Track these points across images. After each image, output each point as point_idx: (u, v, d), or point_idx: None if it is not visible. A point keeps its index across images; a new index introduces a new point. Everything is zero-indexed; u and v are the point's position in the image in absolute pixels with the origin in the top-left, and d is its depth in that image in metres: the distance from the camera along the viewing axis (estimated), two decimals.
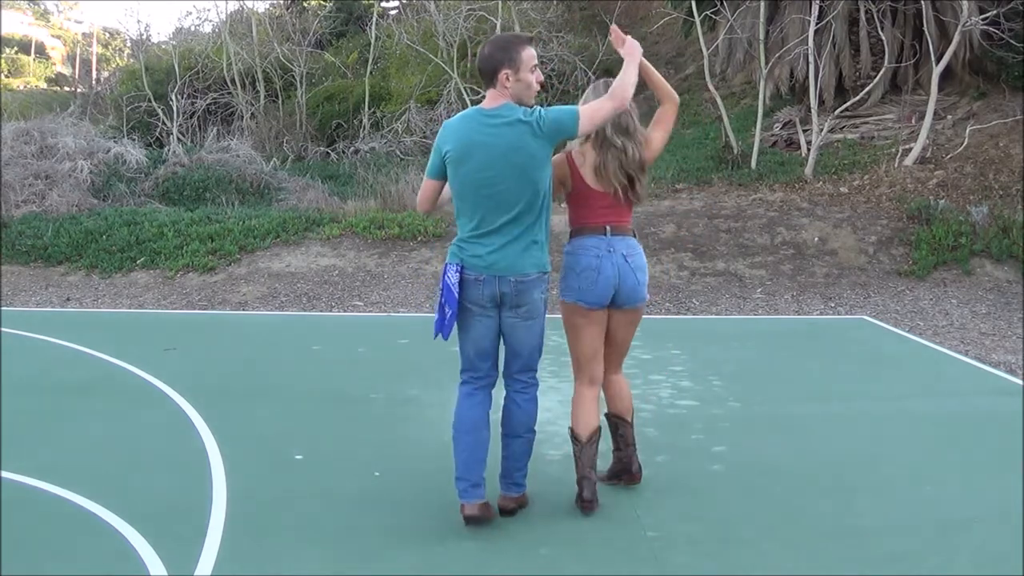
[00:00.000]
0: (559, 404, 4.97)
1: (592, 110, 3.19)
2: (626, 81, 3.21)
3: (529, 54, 3.20)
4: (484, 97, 3.29)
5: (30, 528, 3.35)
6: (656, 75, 3.51)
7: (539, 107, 3.22)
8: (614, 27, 3.52)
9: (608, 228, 3.44)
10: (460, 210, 3.28)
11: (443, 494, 3.65)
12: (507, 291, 3.21)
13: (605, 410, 3.72)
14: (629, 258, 3.44)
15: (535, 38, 3.40)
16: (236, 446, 4.30)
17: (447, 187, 3.34)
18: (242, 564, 3.08)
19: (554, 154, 3.32)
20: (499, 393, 3.47)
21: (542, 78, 3.30)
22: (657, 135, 3.54)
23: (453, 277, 3.21)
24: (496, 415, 3.42)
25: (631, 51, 3.30)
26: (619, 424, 3.69)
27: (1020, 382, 5.78)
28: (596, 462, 3.54)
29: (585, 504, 3.50)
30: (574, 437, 3.53)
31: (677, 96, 3.57)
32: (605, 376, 3.63)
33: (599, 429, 3.54)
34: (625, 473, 3.77)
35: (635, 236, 3.55)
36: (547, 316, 3.40)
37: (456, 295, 3.21)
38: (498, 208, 3.17)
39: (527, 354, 3.37)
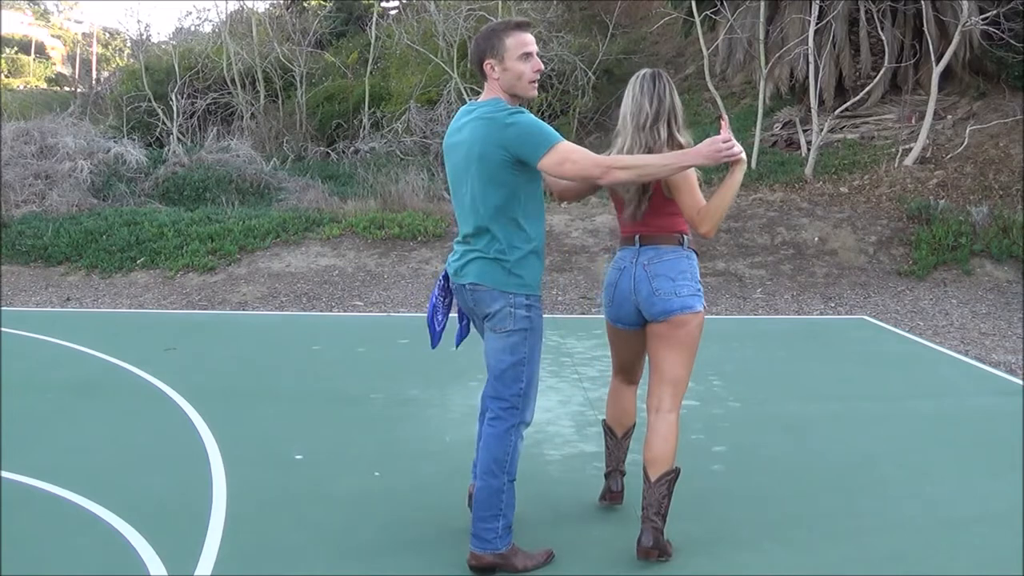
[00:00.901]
0: (559, 404, 4.97)
1: (569, 155, 2.74)
2: (649, 163, 2.84)
3: (517, 40, 2.82)
4: None
5: (30, 528, 3.35)
6: (729, 197, 3.01)
7: (525, 111, 2.85)
8: (724, 122, 2.98)
9: (637, 238, 3.14)
10: None
11: (443, 494, 3.66)
12: (467, 299, 2.95)
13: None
14: (648, 265, 3.08)
15: (529, 23, 3.04)
16: (236, 446, 4.30)
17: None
18: (242, 564, 3.08)
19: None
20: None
21: (540, 66, 2.89)
22: (690, 192, 3.03)
23: (439, 280, 3.12)
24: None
25: (738, 162, 2.93)
26: (644, 479, 3.06)
27: (1020, 382, 5.78)
28: (626, 456, 3.51)
29: (612, 496, 3.49)
30: (607, 430, 3.49)
31: (711, 227, 3.00)
32: (649, 409, 3.13)
33: (634, 426, 3.49)
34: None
35: (681, 244, 3.13)
36: (530, 342, 2.92)
37: (433, 299, 3.10)
38: (465, 213, 2.90)
39: (494, 376, 2.91)
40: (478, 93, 3.10)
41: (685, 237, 3.16)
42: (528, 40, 2.85)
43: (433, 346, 3.14)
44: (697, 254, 3.23)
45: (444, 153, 3.02)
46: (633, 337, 3.26)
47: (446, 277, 3.06)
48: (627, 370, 3.44)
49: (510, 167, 2.79)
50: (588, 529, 3.38)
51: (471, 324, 3.13)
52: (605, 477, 3.53)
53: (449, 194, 3.16)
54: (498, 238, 2.84)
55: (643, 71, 3.18)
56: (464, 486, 3.66)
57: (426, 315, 3.16)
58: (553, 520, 3.44)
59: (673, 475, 3.05)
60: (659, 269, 3.07)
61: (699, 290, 3.11)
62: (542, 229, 2.95)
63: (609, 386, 3.56)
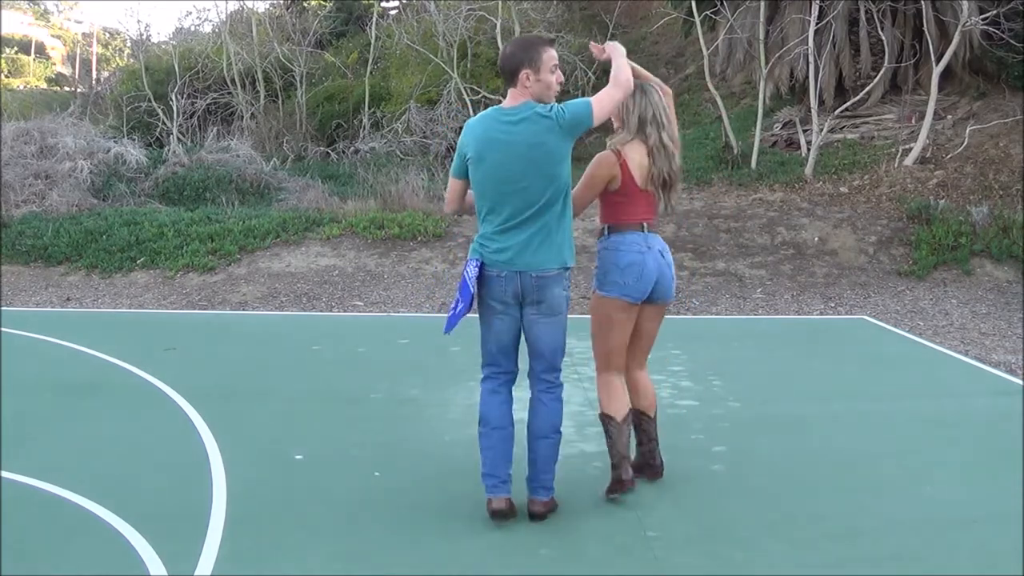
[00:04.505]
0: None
1: (602, 99, 3.23)
2: (621, 67, 3.31)
3: (550, 55, 3.25)
4: (483, 97, 3.35)
5: (30, 528, 3.35)
6: (641, 71, 3.59)
7: (555, 103, 3.24)
8: (593, 45, 3.61)
9: (645, 225, 3.51)
10: (481, 207, 3.30)
11: (443, 494, 3.67)
12: (528, 286, 3.24)
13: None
14: (665, 254, 3.55)
15: (555, 40, 3.45)
16: (236, 446, 4.30)
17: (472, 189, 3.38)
18: (242, 564, 3.08)
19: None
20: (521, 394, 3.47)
21: (562, 79, 3.34)
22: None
23: (472, 272, 3.25)
24: (520, 415, 3.44)
25: (615, 50, 3.41)
26: (642, 419, 3.72)
27: (1020, 382, 5.77)
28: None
29: (626, 484, 3.52)
30: (609, 419, 3.54)
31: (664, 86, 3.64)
32: (631, 371, 3.67)
33: (631, 412, 3.59)
34: (648, 468, 3.79)
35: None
36: (569, 316, 3.43)
37: (471, 289, 3.25)
38: (519, 204, 3.19)
39: (550, 354, 3.36)
40: (478, 93, 3.21)
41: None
42: (555, 55, 3.29)
43: (447, 331, 3.38)
44: None
45: (478, 150, 3.24)
46: (636, 313, 3.57)
47: (481, 266, 3.26)
48: (621, 354, 3.59)
49: (567, 154, 3.23)
50: (588, 529, 3.38)
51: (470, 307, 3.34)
52: (612, 468, 3.55)
53: (481, 192, 3.34)
54: (562, 215, 3.25)
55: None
56: (463, 486, 3.66)
57: (458, 304, 3.31)
58: (553, 520, 3.43)
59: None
60: (671, 260, 3.59)
61: None
62: None
63: (600, 382, 3.61)
